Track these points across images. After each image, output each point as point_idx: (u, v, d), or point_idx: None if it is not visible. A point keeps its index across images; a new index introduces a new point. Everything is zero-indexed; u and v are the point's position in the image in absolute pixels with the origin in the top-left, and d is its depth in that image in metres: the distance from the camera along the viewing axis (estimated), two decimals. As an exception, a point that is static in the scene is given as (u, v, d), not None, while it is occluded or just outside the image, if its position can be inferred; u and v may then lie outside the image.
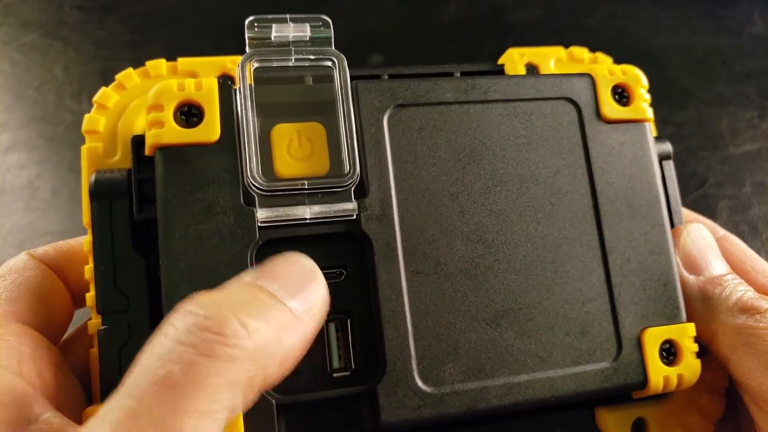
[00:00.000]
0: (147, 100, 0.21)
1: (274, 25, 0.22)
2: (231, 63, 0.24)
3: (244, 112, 0.21)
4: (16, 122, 0.46)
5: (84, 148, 0.22)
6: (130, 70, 0.23)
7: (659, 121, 0.50)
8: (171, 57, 0.24)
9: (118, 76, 0.23)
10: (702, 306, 0.23)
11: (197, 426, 0.15)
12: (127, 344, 0.20)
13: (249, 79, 0.21)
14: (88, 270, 0.21)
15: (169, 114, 0.20)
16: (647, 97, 0.25)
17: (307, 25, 0.22)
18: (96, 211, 0.21)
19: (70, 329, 0.23)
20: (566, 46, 0.26)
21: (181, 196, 0.20)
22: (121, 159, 0.22)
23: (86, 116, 0.22)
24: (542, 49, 0.27)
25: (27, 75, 0.47)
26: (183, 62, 0.24)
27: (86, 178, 0.22)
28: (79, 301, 0.23)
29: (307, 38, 0.22)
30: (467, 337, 0.21)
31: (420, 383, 0.20)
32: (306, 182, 0.21)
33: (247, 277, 0.18)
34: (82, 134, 0.23)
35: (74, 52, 0.48)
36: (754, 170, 0.49)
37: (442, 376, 0.21)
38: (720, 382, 0.24)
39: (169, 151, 0.20)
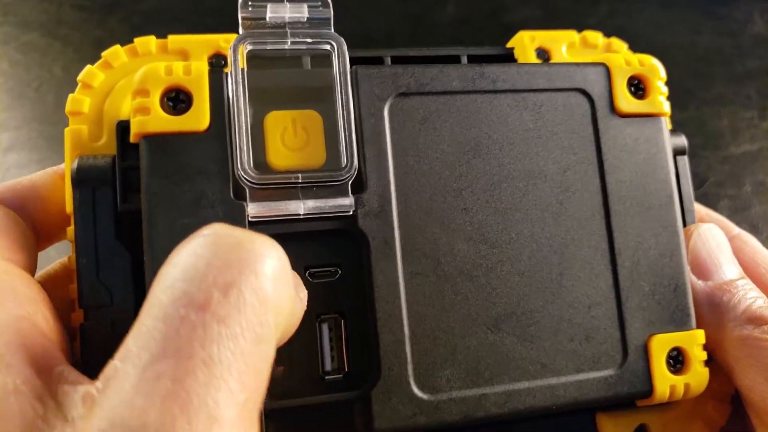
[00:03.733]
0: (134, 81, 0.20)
1: (269, 5, 0.20)
2: (224, 42, 0.22)
3: (235, 99, 0.19)
4: (16, 122, 0.46)
5: (67, 131, 0.21)
6: (117, 47, 0.22)
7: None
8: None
9: (104, 54, 0.22)
10: (709, 313, 0.22)
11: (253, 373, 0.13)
12: (111, 341, 0.17)
13: (242, 63, 0.20)
14: (71, 261, 0.20)
15: (155, 100, 0.19)
16: (665, 90, 0.23)
17: (305, 6, 0.20)
18: (78, 199, 0.20)
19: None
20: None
21: (167, 187, 0.19)
22: (106, 143, 0.21)
23: (70, 96, 0.21)
24: (554, 33, 0.25)
25: (27, 75, 0.47)
26: (173, 40, 0.22)
27: (69, 164, 0.20)
28: (42, 241, 0.21)
29: (305, 19, 0.20)
30: (466, 341, 0.20)
31: (416, 390, 0.19)
32: (300, 176, 0.19)
33: None
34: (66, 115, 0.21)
35: (74, 52, 0.48)
36: (754, 170, 0.49)
37: (439, 382, 0.20)
38: (726, 389, 0.23)
39: (155, 139, 0.19)
